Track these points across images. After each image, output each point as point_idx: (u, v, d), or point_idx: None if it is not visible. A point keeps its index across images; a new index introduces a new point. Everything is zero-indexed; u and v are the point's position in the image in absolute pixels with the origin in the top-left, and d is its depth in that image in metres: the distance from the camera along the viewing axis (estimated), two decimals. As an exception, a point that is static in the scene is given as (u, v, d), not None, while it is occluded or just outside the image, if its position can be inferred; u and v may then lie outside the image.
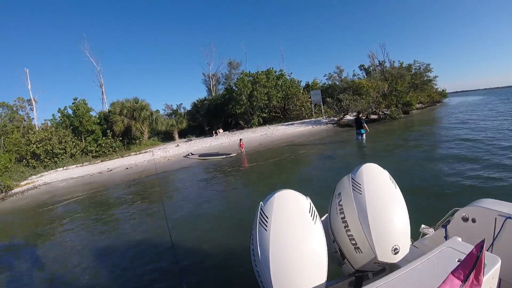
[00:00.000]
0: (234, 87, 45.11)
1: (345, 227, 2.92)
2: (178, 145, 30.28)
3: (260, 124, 42.67)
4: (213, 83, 59.07)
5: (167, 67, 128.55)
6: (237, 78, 48.69)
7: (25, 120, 36.88)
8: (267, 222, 2.46)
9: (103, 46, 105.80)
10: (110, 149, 31.75)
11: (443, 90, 67.87)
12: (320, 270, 2.35)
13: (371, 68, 55.89)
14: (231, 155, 20.66)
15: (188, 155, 23.66)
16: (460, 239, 2.40)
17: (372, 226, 2.66)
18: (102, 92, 45.45)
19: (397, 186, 3.02)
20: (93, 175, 20.94)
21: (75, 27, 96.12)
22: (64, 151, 28.90)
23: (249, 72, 46.62)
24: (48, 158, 27.76)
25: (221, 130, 40.95)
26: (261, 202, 2.68)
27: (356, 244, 2.80)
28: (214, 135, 37.83)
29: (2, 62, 78.80)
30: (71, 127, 32.53)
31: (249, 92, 41.40)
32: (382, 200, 2.83)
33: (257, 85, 41.72)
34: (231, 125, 45.11)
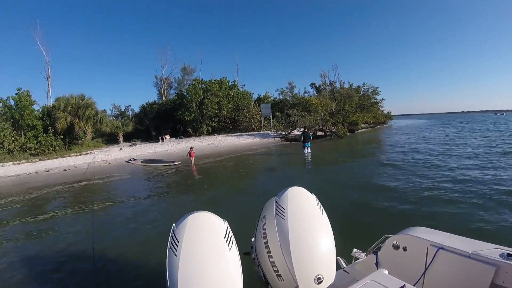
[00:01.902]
0: (185, 93, 45.08)
1: (267, 252, 2.86)
2: (121, 149, 29.81)
3: (208, 133, 42.68)
4: (165, 87, 58.44)
5: (119, 66, 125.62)
6: (189, 85, 48.62)
7: (-39, 108, 34.68)
8: (177, 246, 2.37)
9: (54, 36, 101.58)
10: (50, 147, 30.32)
11: (388, 112, 70.40)
12: None
13: (322, 87, 57.88)
14: (175, 163, 20.54)
15: (131, 160, 23.37)
16: (386, 272, 2.34)
17: (293, 254, 2.60)
18: (48, 84, 43.54)
19: (323, 212, 3.01)
20: (29, 175, 20.17)
21: (29, 12, 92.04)
22: (2, 145, 27.43)
23: (202, 79, 46.91)
24: None
25: (168, 136, 40.50)
26: (174, 224, 2.62)
27: (278, 271, 2.73)
28: (161, 141, 37.43)
29: None
30: (12, 120, 30.86)
31: (200, 99, 41.47)
32: (306, 226, 2.79)
33: (209, 93, 41.92)
34: (179, 132, 44.70)
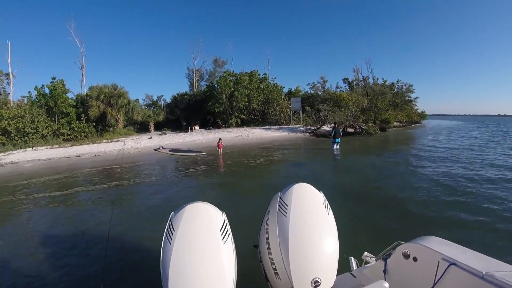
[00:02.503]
0: (216, 85, 45.08)
1: (268, 248, 2.79)
2: (151, 137, 30.24)
3: (237, 125, 42.83)
4: (196, 79, 58.84)
5: (153, 57, 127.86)
6: (220, 76, 48.69)
7: (0, 94, 36.03)
8: (172, 234, 2.37)
9: (89, 28, 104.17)
10: (83, 134, 31.36)
11: (422, 112, 68.16)
12: None
13: (355, 83, 56.69)
14: (201, 154, 20.69)
15: (159, 148, 23.63)
16: (387, 285, 2.29)
17: (291, 254, 2.52)
18: (82, 74, 44.65)
19: (330, 212, 2.89)
20: (60, 159, 20.72)
21: (63, 5, 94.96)
22: (35, 130, 28.33)
23: (233, 71, 47.06)
24: (18, 136, 27.14)
25: (197, 127, 40.85)
26: (172, 212, 2.63)
27: (276, 269, 2.66)
28: (190, 131, 37.80)
29: None
30: (46, 107, 31.74)
31: (230, 91, 41.53)
32: (308, 225, 2.68)
33: (239, 85, 41.87)
34: (208, 123, 44.96)
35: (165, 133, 37.34)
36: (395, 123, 46.90)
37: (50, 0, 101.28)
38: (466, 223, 7.15)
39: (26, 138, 27.38)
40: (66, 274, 5.64)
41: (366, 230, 6.70)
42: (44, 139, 28.66)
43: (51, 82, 32.87)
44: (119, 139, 30.07)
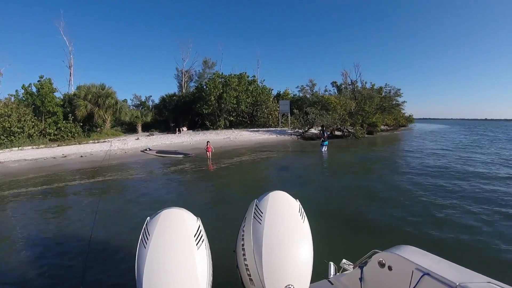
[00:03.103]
0: (204, 87, 45.19)
1: (243, 254, 2.78)
2: (138, 138, 30.20)
3: (226, 127, 42.97)
4: (185, 80, 58.58)
5: (142, 57, 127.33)
6: (208, 78, 48.78)
7: (-14, 93, 35.71)
8: (147, 239, 2.41)
9: (78, 27, 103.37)
10: (69, 134, 31.12)
11: (409, 115, 68.81)
12: None
13: (343, 86, 56.98)
14: (189, 155, 20.80)
15: (146, 150, 23.64)
16: None
17: (265, 260, 2.51)
18: (70, 73, 44.36)
19: (305, 220, 2.88)
20: (46, 159, 20.63)
21: (52, 2, 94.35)
22: (22, 130, 28.05)
23: (222, 73, 47.12)
24: (5, 135, 26.93)
25: (185, 128, 40.90)
26: (148, 217, 2.65)
27: (250, 275, 2.65)
28: (178, 132, 37.79)
29: None
30: (33, 106, 31.51)
31: (219, 93, 41.66)
32: (282, 233, 2.68)
33: (228, 87, 42.06)
34: (197, 124, 45.10)
35: (153, 134, 37.31)
36: (382, 127, 47.35)
37: None
38: (444, 230, 7.12)
39: (13, 137, 27.09)
40: (45, 273, 5.73)
41: (348, 235, 6.81)
42: (30, 138, 28.36)
43: (38, 81, 32.63)
44: (106, 140, 29.94)
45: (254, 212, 2.91)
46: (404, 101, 50.73)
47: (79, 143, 27.78)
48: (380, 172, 15.17)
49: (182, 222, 2.60)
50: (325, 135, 20.85)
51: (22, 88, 32.83)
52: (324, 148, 20.46)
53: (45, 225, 8.42)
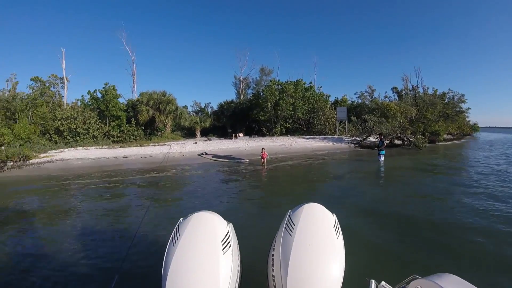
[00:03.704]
0: (261, 94, 45.38)
1: (272, 265, 2.74)
2: (196, 143, 30.88)
3: (282, 134, 42.73)
4: (243, 87, 59.32)
5: (202, 65, 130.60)
6: (265, 85, 49.09)
7: (55, 97, 38.12)
8: (177, 239, 2.56)
9: (140, 37, 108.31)
10: (132, 136, 32.57)
11: (474, 124, 65.33)
12: None
13: (404, 92, 54.95)
14: (243, 161, 20.81)
15: (203, 154, 24.01)
16: None
17: (290, 274, 2.46)
18: (134, 81, 46.67)
19: (340, 235, 2.84)
20: (108, 159, 21.55)
21: (115, 16, 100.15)
22: (87, 131, 30.05)
23: (278, 80, 47.26)
24: (70, 136, 28.91)
25: (241, 134, 41.32)
26: (181, 218, 2.82)
27: (275, 287, 2.59)
28: (234, 138, 38.22)
29: (42, 39, 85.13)
30: (98, 110, 33.64)
31: (275, 100, 41.71)
32: (312, 248, 2.62)
33: (284, 94, 42.00)
34: (253, 131, 45.40)
35: (210, 139, 38.01)
36: (445, 136, 44.01)
37: (103, 10, 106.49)
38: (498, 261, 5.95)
39: (78, 138, 29.03)
40: (88, 259, 6.02)
41: (395, 256, 6.22)
42: (94, 139, 30.24)
43: (103, 87, 35.14)
44: (165, 143, 30.81)
45: (287, 223, 2.94)
46: (468, 108, 47.31)
47: (140, 145, 28.89)
48: (441, 187, 13.07)
49: (211, 226, 2.73)
50: (383, 144, 19.89)
51: (88, 94, 35.53)
52: (382, 158, 19.47)
53: (98, 216, 8.80)
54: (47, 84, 38.11)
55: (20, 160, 19.57)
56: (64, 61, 37.88)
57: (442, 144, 40.12)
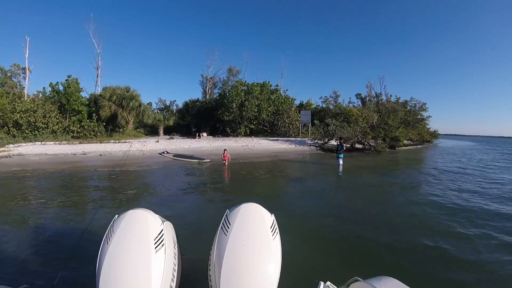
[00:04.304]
0: (227, 94, 45.59)
1: (208, 265, 2.75)
2: (158, 141, 30.70)
3: (246, 135, 43.20)
4: (209, 86, 59.50)
5: (169, 63, 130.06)
6: (231, 85, 49.25)
7: (16, 87, 37.05)
8: (110, 237, 2.59)
9: (107, 30, 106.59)
10: (92, 132, 32.09)
11: (434, 131, 67.02)
12: None
13: (367, 99, 56.37)
14: (204, 161, 20.83)
15: (163, 152, 23.98)
16: None
17: (223, 275, 2.45)
18: (98, 74, 45.61)
19: (277, 236, 2.84)
20: (66, 155, 21.23)
21: (83, 6, 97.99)
22: (46, 125, 29.33)
23: (245, 81, 47.75)
24: (29, 129, 28.18)
25: (205, 134, 41.40)
26: (116, 215, 2.84)
27: (211, 287, 2.59)
28: (197, 137, 38.26)
29: (5, 26, 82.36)
30: (59, 104, 32.79)
31: (241, 101, 42.03)
32: (247, 248, 2.61)
33: (250, 95, 42.35)
34: (218, 131, 45.57)
35: (173, 138, 37.90)
36: (405, 142, 45.56)
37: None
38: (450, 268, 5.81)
39: (37, 132, 28.32)
40: (34, 255, 6.04)
41: (346, 256, 6.21)
42: (54, 134, 29.55)
43: (66, 80, 34.07)
44: (126, 141, 30.48)
45: (223, 223, 2.93)
46: (429, 116, 49.59)
47: (101, 142, 28.44)
48: (394, 189, 13.71)
49: (144, 224, 2.72)
50: (343, 147, 20.33)
51: (50, 86, 34.30)
52: (340, 161, 19.72)
53: (49, 214, 8.72)
54: (9, 74, 36.97)
55: (-27, 154, 19.06)
56: (27, 51, 36.69)
57: (401, 149, 41.48)
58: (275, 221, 2.97)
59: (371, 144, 34.32)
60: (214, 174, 16.76)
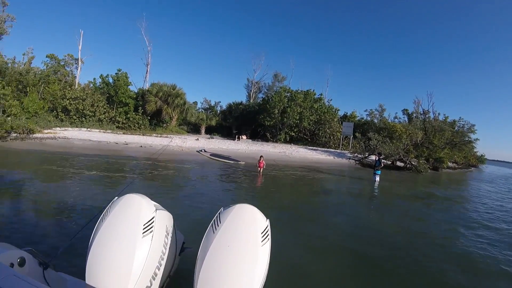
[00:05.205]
0: (270, 99, 45.68)
1: (196, 259, 2.66)
2: (198, 139, 31.38)
3: (286, 141, 43.01)
4: (254, 90, 60.03)
5: (217, 64, 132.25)
6: (275, 91, 49.48)
7: (68, 76, 38.82)
8: (105, 217, 2.70)
9: (159, 29, 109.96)
10: (136, 125, 33.35)
11: (481, 155, 64.41)
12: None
13: (414, 115, 54.70)
14: (239, 163, 20.97)
15: (201, 151, 24.40)
16: None
17: (202, 273, 2.45)
18: (147, 71, 46.98)
19: (267, 243, 2.75)
20: (109, 143, 22.09)
21: (137, 4, 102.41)
22: (93, 114, 30.85)
23: (289, 88, 47.54)
24: (77, 116, 29.75)
25: (244, 137, 41.60)
26: (115, 197, 2.95)
27: (194, 281, 2.50)
28: (237, 139, 38.65)
29: (62, 19, 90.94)
30: (107, 95, 34.32)
31: (283, 107, 41.97)
32: (231, 250, 2.56)
33: (293, 102, 42.17)
34: (258, 135, 45.68)
35: (213, 138, 38.57)
36: (449, 164, 42.39)
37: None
38: None
39: (84, 119, 29.78)
40: (51, 221, 6.49)
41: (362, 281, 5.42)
42: (100, 123, 31.01)
43: (116, 73, 35.72)
44: (168, 136, 31.36)
45: (214, 220, 2.89)
46: (477, 139, 46.22)
47: (143, 135, 29.48)
48: (431, 215, 12.18)
49: (137, 208, 2.79)
50: (380, 164, 19.30)
51: (100, 78, 36.25)
52: (377, 178, 18.46)
53: (73, 194, 9.01)
54: (62, 63, 38.74)
55: (24, 133, 20.15)
56: (81, 43, 38.57)
57: (445, 171, 39.02)
58: (269, 227, 2.88)
59: (413, 163, 32.33)
60: (244, 176, 16.42)
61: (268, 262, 2.68)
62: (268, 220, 2.93)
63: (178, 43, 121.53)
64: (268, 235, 2.80)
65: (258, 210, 3.01)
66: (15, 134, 19.71)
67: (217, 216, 2.92)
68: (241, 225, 2.78)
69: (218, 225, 2.78)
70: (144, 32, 47.32)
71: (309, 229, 7.88)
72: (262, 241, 2.68)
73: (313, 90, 46.86)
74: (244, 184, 14.46)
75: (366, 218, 10.47)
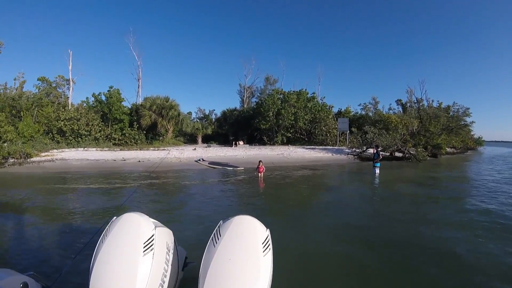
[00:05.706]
0: (263, 102, 45.54)
1: (198, 273, 2.69)
2: (195, 149, 31.39)
3: (283, 143, 43.03)
4: (247, 95, 60.14)
5: (208, 73, 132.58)
6: (267, 94, 49.58)
7: (61, 97, 39.16)
8: (106, 237, 2.76)
9: (147, 43, 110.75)
10: (133, 140, 33.26)
11: (479, 137, 64.53)
12: None
13: (408, 105, 54.75)
14: (238, 168, 21.08)
15: (199, 160, 24.39)
16: None
17: (206, 286, 2.47)
18: (139, 85, 47.27)
19: (269, 252, 2.77)
20: (107, 161, 22.14)
21: (123, 20, 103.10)
22: (89, 133, 30.91)
23: (281, 89, 47.75)
24: (72, 136, 29.78)
25: (241, 142, 41.72)
26: (114, 217, 3.04)
27: None
28: (234, 146, 38.71)
29: (50, 40, 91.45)
30: (101, 113, 34.50)
31: (277, 109, 42.05)
32: (233, 262, 2.58)
33: (286, 104, 42.28)
34: (255, 139, 45.72)
35: (210, 146, 38.65)
36: (448, 149, 42.27)
37: (111, 15, 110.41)
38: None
39: (80, 139, 29.90)
40: (50, 244, 6.52)
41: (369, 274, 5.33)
42: (96, 141, 31.07)
43: (108, 91, 36.08)
44: (165, 148, 31.33)
45: (214, 234, 2.93)
46: (473, 121, 47.16)
47: (140, 149, 29.51)
48: (433, 204, 11.69)
49: (136, 227, 2.84)
50: (379, 156, 19.42)
51: (92, 96, 36.57)
52: (376, 170, 18.64)
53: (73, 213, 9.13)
54: (54, 85, 38.94)
55: (21, 158, 20.24)
56: (70, 63, 38.74)
57: (444, 157, 39.12)
58: (269, 237, 2.92)
59: (411, 152, 32.12)
60: (245, 183, 16.22)
61: (271, 272, 2.71)
62: (268, 230, 2.97)
63: (167, 54, 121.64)
64: (269, 245, 2.84)
65: (258, 220, 3.05)
66: (12, 160, 19.80)
67: (217, 229, 2.97)
68: (241, 237, 2.81)
69: (218, 238, 2.82)
70: (133, 47, 47.59)
71: (314, 232, 7.71)
72: (263, 252, 2.71)
73: (306, 90, 46.83)
74: (245, 191, 14.19)
75: (365, 213, 10.25)
